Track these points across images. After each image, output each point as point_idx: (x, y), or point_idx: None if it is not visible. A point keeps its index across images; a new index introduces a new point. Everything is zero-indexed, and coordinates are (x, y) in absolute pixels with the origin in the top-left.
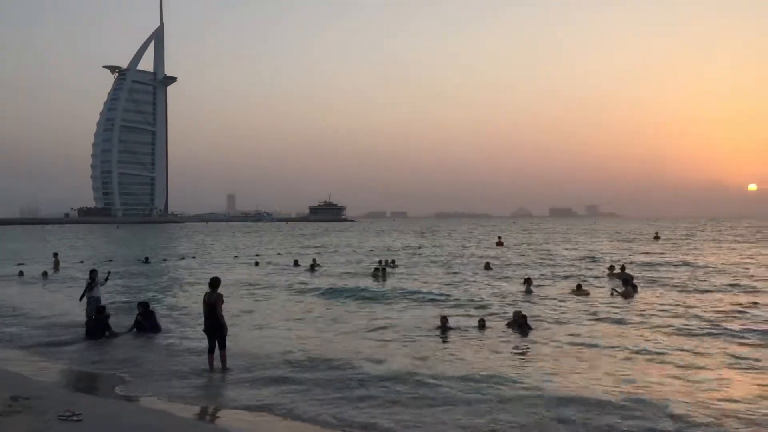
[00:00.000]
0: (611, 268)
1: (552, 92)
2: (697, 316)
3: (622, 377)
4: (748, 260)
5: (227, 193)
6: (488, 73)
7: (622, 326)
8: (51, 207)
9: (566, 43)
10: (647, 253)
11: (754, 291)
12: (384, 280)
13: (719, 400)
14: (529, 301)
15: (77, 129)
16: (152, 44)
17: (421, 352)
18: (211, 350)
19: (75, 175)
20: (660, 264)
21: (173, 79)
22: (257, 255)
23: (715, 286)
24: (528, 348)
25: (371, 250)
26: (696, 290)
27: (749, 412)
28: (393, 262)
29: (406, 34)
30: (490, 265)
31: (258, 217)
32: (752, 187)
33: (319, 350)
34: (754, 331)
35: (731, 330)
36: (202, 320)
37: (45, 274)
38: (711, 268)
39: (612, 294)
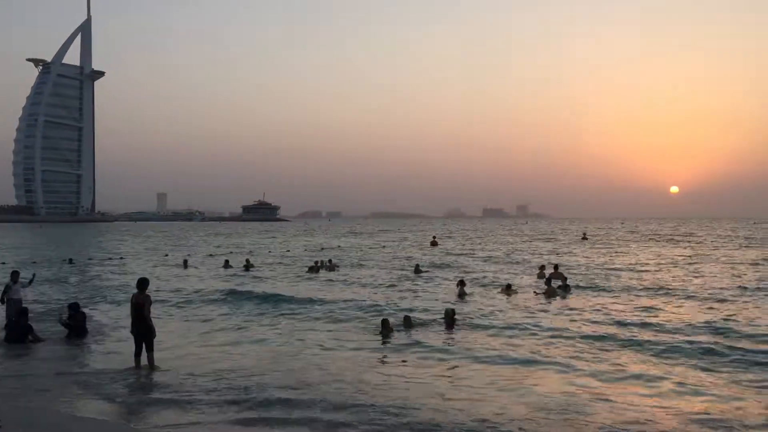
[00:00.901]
0: (542, 268)
1: (484, 93)
2: (611, 321)
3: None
4: (661, 261)
5: (158, 191)
6: (427, 71)
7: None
8: None
9: (500, 45)
10: (570, 253)
11: (668, 294)
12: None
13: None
14: (461, 302)
15: None
16: (79, 37)
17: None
18: (137, 353)
19: None
20: (586, 264)
21: (101, 74)
22: (188, 255)
23: (633, 288)
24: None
25: (305, 250)
26: (612, 291)
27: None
28: (330, 261)
29: (336, 28)
30: (421, 268)
31: (189, 216)
32: (674, 189)
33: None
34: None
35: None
36: (129, 322)
37: None
38: (629, 270)
39: (535, 294)
